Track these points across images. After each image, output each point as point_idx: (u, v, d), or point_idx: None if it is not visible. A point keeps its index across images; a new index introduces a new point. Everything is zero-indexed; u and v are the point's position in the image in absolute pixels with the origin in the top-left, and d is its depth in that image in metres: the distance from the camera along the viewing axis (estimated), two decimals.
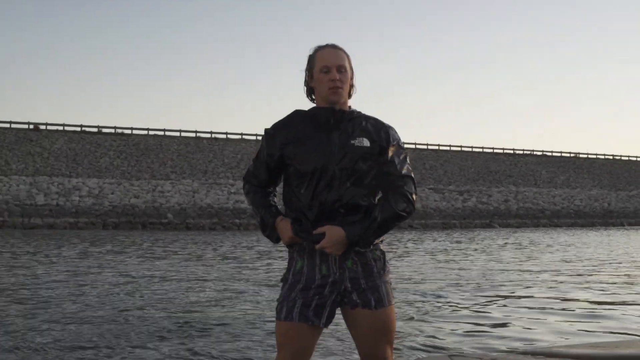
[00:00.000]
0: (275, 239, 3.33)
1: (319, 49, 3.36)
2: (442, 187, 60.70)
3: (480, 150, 76.87)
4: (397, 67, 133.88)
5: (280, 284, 3.34)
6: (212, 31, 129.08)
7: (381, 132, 3.31)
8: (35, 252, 19.42)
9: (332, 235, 3.11)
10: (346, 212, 3.19)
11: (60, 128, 59.11)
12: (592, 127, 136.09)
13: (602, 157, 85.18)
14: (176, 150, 58.15)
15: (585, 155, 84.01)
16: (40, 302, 9.73)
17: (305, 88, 3.38)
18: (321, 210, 3.19)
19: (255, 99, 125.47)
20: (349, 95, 3.35)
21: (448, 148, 75.32)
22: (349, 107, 3.36)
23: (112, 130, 61.11)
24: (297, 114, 3.37)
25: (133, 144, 58.24)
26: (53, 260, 16.97)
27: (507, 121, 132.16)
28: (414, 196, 3.28)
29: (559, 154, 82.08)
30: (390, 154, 3.28)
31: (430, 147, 74.39)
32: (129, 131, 61.52)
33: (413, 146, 73.18)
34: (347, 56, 3.35)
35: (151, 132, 62.23)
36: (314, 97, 3.36)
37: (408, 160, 3.37)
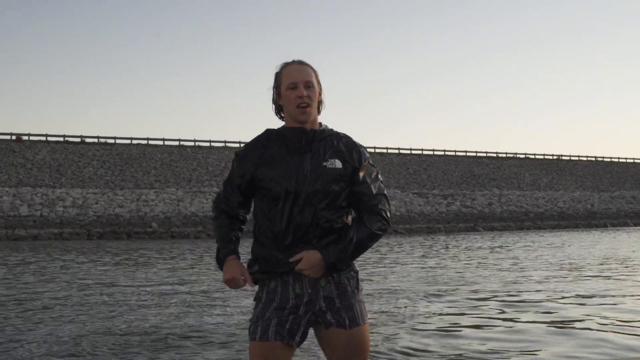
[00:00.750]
0: (261, 271, 3.24)
1: (285, 65, 3.30)
2: (426, 192, 60.90)
3: (464, 154, 77.24)
4: (380, 72, 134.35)
5: (254, 303, 3.31)
6: (195, 40, 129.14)
7: (353, 153, 3.26)
8: (22, 263, 19.43)
9: (310, 258, 3.09)
10: (321, 234, 3.16)
11: (43, 138, 58.99)
12: (574, 129, 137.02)
13: (585, 158, 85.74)
14: (160, 159, 58.12)
15: (567, 158, 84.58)
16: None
17: (274, 106, 3.33)
18: (295, 233, 3.15)
19: (238, 107, 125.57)
20: (318, 111, 3.31)
21: (432, 152, 75.58)
22: (320, 123, 3.33)
23: (95, 140, 61.05)
24: (268, 134, 3.31)
25: (116, 153, 58.17)
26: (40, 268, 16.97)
27: (490, 125, 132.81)
28: (389, 213, 3.28)
29: (542, 157, 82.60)
30: (362, 174, 3.25)
31: (413, 151, 74.61)
32: (112, 140, 61.46)
33: (397, 151, 73.41)
34: (314, 71, 3.30)
35: (134, 141, 62.15)
36: (283, 114, 3.31)
37: (380, 177, 3.35)
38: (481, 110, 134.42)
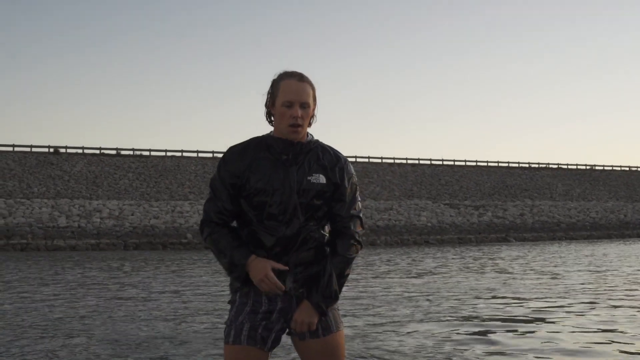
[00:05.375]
0: (243, 280, 3.23)
1: (284, 76, 3.27)
2: (458, 203, 61.03)
3: (496, 164, 77.07)
4: (410, 82, 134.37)
5: (228, 306, 3.35)
6: (231, 54, 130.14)
7: (336, 168, 3.31)
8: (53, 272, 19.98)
9: (303, 321, 3.19)
10: (301, 243, 3.22)
11: (80, 151, 59.93)
12: (608, 138, 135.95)
13: (619, 168, 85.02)
14: (194, 171, 58.87)
15: (601, 167, 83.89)
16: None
17: (266, 110, 3.33)
18: (278, 244, 3.19)
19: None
20: (309, 125, 3.33)
21: (463, 163, 75.53)
22: (307, 134, 3.34)
23: (131, 152, 61.88)
24: (254, 143, 3.34)
25: (151, 165, 59.01)
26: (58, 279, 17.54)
27: (523, 135, 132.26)
28: (360, 236, 3.34)
29: (574, 167, 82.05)
30: (343, 192, 3.30)
31: (445, 162, 74.63)
32: (147, 153, 62.28)
33: (428, 162, 73.53)
34: (313, 88, 3.29)
35: (169, 154, 63.01)
36: (272, 120, 3.32)
37: (359, 196, 3.41)
38: (514, 120, 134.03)
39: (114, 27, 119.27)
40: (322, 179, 3.25)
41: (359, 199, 3.41)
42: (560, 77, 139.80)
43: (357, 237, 3.32)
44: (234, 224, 3.36)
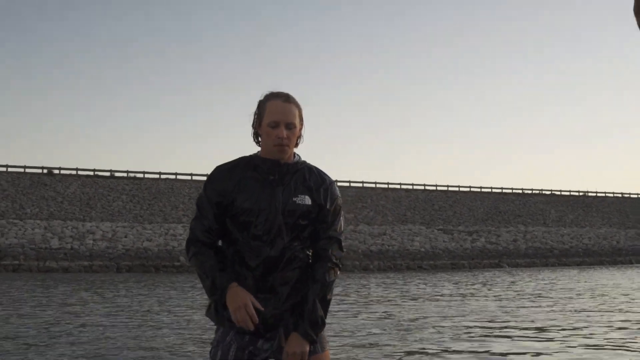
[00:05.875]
0: (222, 304, 3.21)
1: (270, 97, 3.30)
2: (452, 228, 61.10)
3: (489, 190, 77.29)
4: (405, 107, 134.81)
5: (215, 327, 3.35)
6: (229, 77, 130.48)
7: (321, 190, 3.33)
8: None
9: (294, 349, 3.16)
10: (286, 263, 3.23)
11: (74, 172, 59.95)
12: (601, 165, 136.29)
13: (612, 195, 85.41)
14: (188, 194, 58.90)
15: (594, 194, 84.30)
16: None
17: (253, 131, 3.35)
18: (264, 264, 3.20)
19: None
20: (296, 145, 3.35)
21: (457, 189, 75.75)
22: (294, 154, 3.37)
23: (125, 174, 61.92)
24: (242, 162, 3.36)
25: (145, 187, 59.01)
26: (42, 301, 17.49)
27: (516, 161, 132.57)
28: (339, 259, 3.34)
29: (567, 193, 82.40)
30: (327, 213, 3.32)
31: (439, 188, 74.86)
32: (141, 175, 62.29)
33: (422, 187, 73.74)
34: (299, 109, 3.32)
35: (163, 176, 63.03)
36: (260, 140, 3.34)
37: (342, 219, 3.41)
38: (507, 146, 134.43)
39: (109, 48, 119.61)
40: (308, 200, 3.27)
41: (342, 222, 3.41)
42: (554, 104, 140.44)
43: (334, 260, 3.31)
44: (220, 242, 3.35)
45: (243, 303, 3.09)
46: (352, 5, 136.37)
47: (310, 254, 3.35)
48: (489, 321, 13.09)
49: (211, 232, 3.27)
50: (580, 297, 19.49)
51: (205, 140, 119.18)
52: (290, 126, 3.23)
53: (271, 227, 3.20)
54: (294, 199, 3.25)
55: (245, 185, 3.26)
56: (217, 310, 3.26)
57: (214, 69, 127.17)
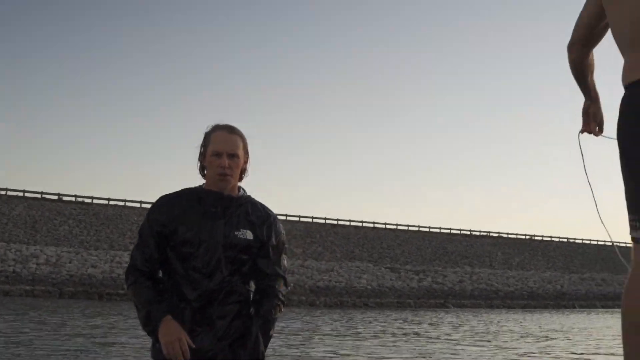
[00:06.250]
0: (155, 337, 3.21)
1: (215, 128, 3.34)
2: (399, 267, 61.30)
3: (438, 230, 77.87)
4: (355, 143, 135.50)
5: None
6: (178, 109, 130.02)
7: (264, 226, 3.35)
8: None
9: None
10: (224, 297, 3.23)
11: (21, 194, 59.08)
12: (548, 210, 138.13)
13: (557, 239, 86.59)
14: (136, 221, 58.24)
15: (540, 238, 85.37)
16: None
17: (199, 164, 3.38)
18: (202, 296, 3.19)
19: None
20: (240, 179, 3.38)
21: (406, 228, 76.16)
22: (239, 188, 3.40)
23: (73, 199, 61.19)
24: (185, 193, 3.37)
25: (93, 213, 58.33)
26: None
27: (464, 202, 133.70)
28: (284, 295, 3.39)
29: (514, 236, 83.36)
30: (269, 249, 3.35)
31: (388, 226, 75.16)
32: (89, 200, 61.61)
33: (372, 225, 73.97)
34: (243, 141, 3.34)
35: (112, 202, 62.42)
36: (205, 173, 3.37)
37: (285, 257, 3.46)
38: (455, 187, 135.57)
39: (59, 69, 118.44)
40: (249, 235, 3.29)
41: (286, 258, 3.46)
42: (501, 148, 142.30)
43: (280, 297, 3.36)
44: (161, 273, 3.36)
45: (176, 337, 3.09)
46: (303, 36, 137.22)
47: (250, 289, 3.37)
48: None
49: (151, 262, 3.27)
50: (524, 339, 19.66)
51: (156, 167, 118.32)
52: (233, 156, 3.26)
53: (211, 260, 3.21)
54: (236, 232, 3.27)
55: (187, 216, 3.26)
56: (154, 345, 3.24)
57: (167, 97, 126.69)
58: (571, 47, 2.93)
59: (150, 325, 3.19)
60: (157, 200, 3.36)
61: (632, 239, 2.60)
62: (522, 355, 15.31)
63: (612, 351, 16.14)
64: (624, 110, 2.57)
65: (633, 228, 2.58)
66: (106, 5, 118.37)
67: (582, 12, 2.89)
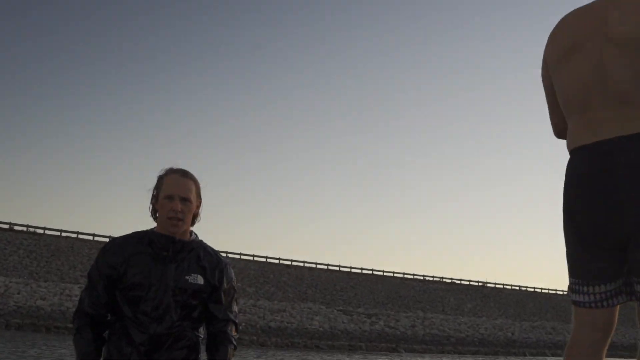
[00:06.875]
0: None
1: (169, 172, 3.35)
2: (351, 309, 61.15)
3: (391, 274, 78.02)
4: (308, 185, 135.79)
5: None
6: (141, 135, 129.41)
7: (216, 271, 3.35)
8: None
9: None
10: (173, 342, 3.20)
11: None
12: (500, 257, 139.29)
13: (509, 287, 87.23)
14: (87, 254, 57.53)
15: (493, 285, 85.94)
16: None
17: (151, 207, 3.37)
18: (150, 340, 3.16)
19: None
20: (193, 223, 3.37)
21: (360, 271, 76.21)
22: (191, 232, 3.39)
23: (25, 229, 60.38)
24: (137, 236, 3.35)
25: (44, 244, 57.49)
26: None
27: (418, 247, 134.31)
28: (235, 340, 3.39)
29: (467, 282, 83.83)
30: (221, 294, 3.36)
31: (342, 268, 75.15)
32: (41, 231, 60.84)
33: (325, 267, 73.90)
34: (196, 185, 3.34)
35: (64, 234, 61.66)
36: (157, 216, 3.36)
37: (236, 303, 3.48)
38: (410, 232, 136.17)
39: (9, 93, 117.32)
40: (200, 280, 3.28)
41: (236, 305, 3.47)
42: (458, 194, 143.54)
43: (233, 342, 3.36)
44: (109, 316, 3.35)
45: None
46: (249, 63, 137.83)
47: (199, 334, 3.35)
48: None
49: (98, 305, 3.25)
50: None
51: (111, 200, 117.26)
52: (185, 201, 3.24)
53: (160, 304, 3.19)
54: (187, 277, 3.25)
55: (137, 259, 3.24)
56: None
57: (128, 127, 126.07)
58: (561, 136, 2.97)
59: None
60: (107, 244, 3.34)
61: (573, 302, 2.66)
62: None
63: None
64: (573, 175, 2.62)
65: (574, 292, 2.63)
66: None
67: (550, 116, 2.97)
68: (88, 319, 3.24)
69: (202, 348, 3.41)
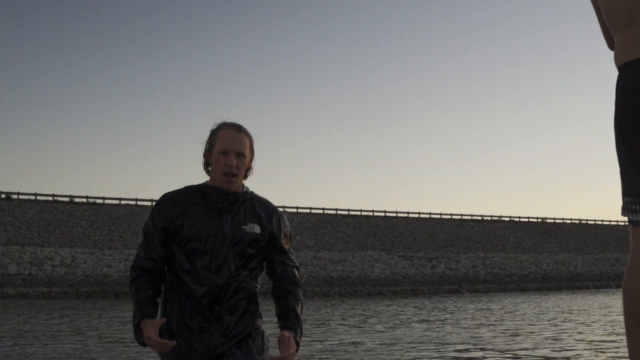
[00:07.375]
0: (141, 342, 3.19)
1: (222, 126, 3.33)
2: (411, 254, 61.41)
3: (449, 217, 77.86)
4: (362, 133, 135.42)
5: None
6: (188, 100, 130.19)
7: (273, 219, 3.37)
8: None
9: (290, 351, 3.12)
10: (233, 293, 3.23)
11: (33, 197, 59.38)
12: (559, 192, 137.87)
13: (569, 221, 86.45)
14: None
15: (552, 220, 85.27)
16: None
17: (204, 160, 3.36)
18: (210, 292, 3.19)
19: None
20: (245, 177, 3.37)
21: (417, 215, 76.17)
22: (242, 185, 3.38)
23: (84, 200, 61.44)
24: (188, 190, 3.36)
25: (105, 213, 58.56)
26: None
27: (476, 188, 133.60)
28: (302, 283, 3.43)
29: (526, 219, 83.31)
30: (282, 243, 3.38)
31: (399, 214, 75.23)
32: (100, 201, 61.86)
33: (383, 214, 74.06)
34: (250, 140, 3.34)
35: (123, 202, 62.66)
36: (210, 170, 3.35)
37: (292, 250, 3.48)
38: (466, 173, 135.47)
39: (65, 72, 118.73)
40: (257, 229, 3.29)
41: (293, 252, 3.50)
42: (512, 133, 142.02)
43: (301, 285, 3.40)
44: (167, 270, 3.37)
45: (147, 337, 3.08)
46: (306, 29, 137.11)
47: (257, 285, 3.36)
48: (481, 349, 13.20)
49: (154, 259, 3.27)
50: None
51: (165, 166, 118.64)
52: (240, 155, 3.26)
53: (218, 255, 3.21)
54: (243, 227, 3.27)
55: (193, 211, 3.25)
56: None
57: (174, 96, 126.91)
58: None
59: (135, 330, 3.20)
60: (161, 198, 3.36)
61: (629, 222, 2.57)
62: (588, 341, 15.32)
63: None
64: (624, 92, 2.53)
65: (630, 211, 2.54)
66: (115, 4, 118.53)
67: (602, 32, 2.88)
68: (143, 270, 3.27)
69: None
